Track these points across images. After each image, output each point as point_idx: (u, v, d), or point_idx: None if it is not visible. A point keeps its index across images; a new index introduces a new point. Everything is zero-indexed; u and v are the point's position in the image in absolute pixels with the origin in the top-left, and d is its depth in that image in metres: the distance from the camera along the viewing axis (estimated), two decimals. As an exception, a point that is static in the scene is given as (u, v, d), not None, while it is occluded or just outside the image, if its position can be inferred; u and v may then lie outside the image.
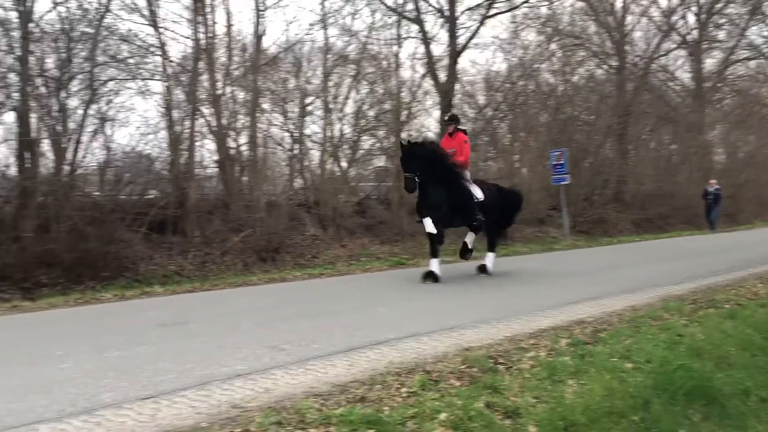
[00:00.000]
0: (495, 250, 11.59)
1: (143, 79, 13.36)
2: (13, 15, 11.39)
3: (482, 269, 11.16)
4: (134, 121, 13.82)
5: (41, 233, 10.57)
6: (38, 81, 11.65)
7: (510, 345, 6.20)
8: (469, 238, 11.33)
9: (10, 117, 11.61)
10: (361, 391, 4.82)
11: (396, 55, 18.40)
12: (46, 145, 11.88)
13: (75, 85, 12.19)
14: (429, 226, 9.98)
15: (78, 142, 12.10)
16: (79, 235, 10.94)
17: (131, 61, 13.07)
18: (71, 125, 12.10)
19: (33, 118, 11.67)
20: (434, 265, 10.23)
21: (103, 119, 12.63)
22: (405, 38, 18.81)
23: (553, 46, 22.92)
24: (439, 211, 10.02)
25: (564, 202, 19.09)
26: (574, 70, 24.19)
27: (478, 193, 10.72)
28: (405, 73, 18.80)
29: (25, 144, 11.41)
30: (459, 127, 11.22)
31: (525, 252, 16.14)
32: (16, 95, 11.35)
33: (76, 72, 12.11)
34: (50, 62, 11.90)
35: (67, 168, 11.90)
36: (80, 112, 12.23)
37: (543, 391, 4.80)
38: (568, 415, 4.33)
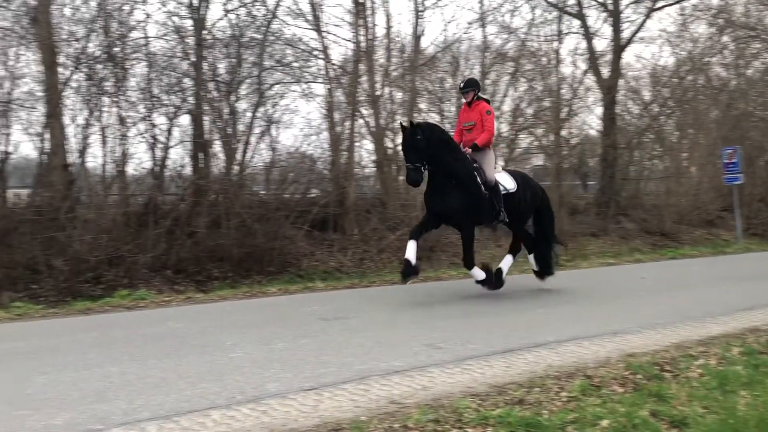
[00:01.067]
0: (516, 255, 9.84)
1: (306, 82, 13.81)
2: (188, 23, 12.11)
3: (496, 275, 9.23)
4: (298, 123, 14.27)
5: (213, 229, 11.14)
6: (210, 85, 12.30)
7: (677, 352, 5.92)
8: (506, 263, 9.55)
9: (185, 120, 12.36)
10: (519, 394, 4.74)
11: (556, 52, 18.02)
12: (217, 146, 12.54)
13: (244, 89, 12.80)
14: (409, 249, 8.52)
15: (246, 143, 12.69)
16: (247, 231, 11.45)
17: (296, 64, 13.54)
18: (240, 127, 12.72)
19: (206, 121, 12.34)
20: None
21: (270, 121, 13.16)
22: (566, 34, 18.37)
23: (725, 38, 21.49)
24: (449, 207, 8.66)
25: (736, 202, 17.90)
26: (748, 63, 22.56)
27: (507, 183, 9.15)
28: (565, 69, 18.28)
29: (199, 145, 12.09)
30: (480, 95, 9.49)
31: (694, 255, 15.34)
32: (190, 99, 12.05)
33: (245, 76, 12.69)
34: (221, 67, 12.56)
35: (236, 168, 12.49)
36: (248, 114, 12.83)
37: (713, 402, 4.55)
38: (740, 428, 4.07)
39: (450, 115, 16.19)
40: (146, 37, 11.68)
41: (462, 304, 8.53)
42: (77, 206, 10.44)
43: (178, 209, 11.31)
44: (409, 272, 8.46)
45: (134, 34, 11.57)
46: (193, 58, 12.04)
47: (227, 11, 12.29)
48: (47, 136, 10.89)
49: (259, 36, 12.71)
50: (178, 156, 12.15)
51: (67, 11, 11.18)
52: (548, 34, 17.91)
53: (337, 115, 14.19)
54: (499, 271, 9.31)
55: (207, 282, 10.22)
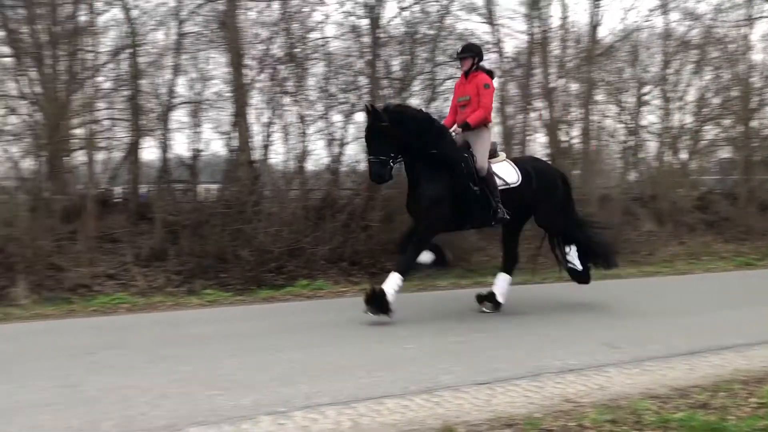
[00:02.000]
0: (513, 272, 8.12)
1: (479, 76, 13.74)
2: (364, 22, 12.43)
3: (489, 299, 7.84)
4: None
5: (386, 223, 11.36)
6: (384, 83, 12.57)
7: None
8: (500, 285, 7.98)
9: (361, 117, 12.69)
10: (703, 397, 4.53)
11: (745, 38, 16.77)
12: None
13: (416, 85, 12.95)
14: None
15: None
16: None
17: (468, 59, 13.50)
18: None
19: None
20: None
21: (441, 116, 13.21)
22: (757, 18, 17.05)
23: None
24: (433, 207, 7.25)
25: None
26: None
27: (508, 175, 7.67)
28: (756, 56, 17.00)
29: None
30: (483, 65, 7.94)
31: None
32: (366, 97, 12.37)
33: (418, 72, 12.84)
34: (395, 64, 12.78)
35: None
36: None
37: None
38: None
39: (628, 106, 15.61)
40: (325, 38, 12.12)
41: (642, 304, 8.22)
42: (262, 200, 11.00)
43: (353, 203, 11.61)
44: (380, 307, 6.89)
45: (314, 35, 12.03)
46: (368, 57, 12.35)
47: (402, 8, 12.49)
48: (235, 134, 11.58)
49: (432, 32, 12.81)
50: (354, 152, 12.50)
51: (252, 15, 11.81)
52: (737, 19, 16.74)
53: (509, 109, 14.07)
54: (492, 295, 7.83)
55: (380, 274, 10.40)
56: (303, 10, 11.91)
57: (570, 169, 14.30)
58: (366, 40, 12.38)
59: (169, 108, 11.36)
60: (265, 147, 11.76)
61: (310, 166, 12.20)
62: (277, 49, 11.76)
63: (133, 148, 11.09)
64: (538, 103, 14.31)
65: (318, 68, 12.17)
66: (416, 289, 9.29)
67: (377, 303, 6.85)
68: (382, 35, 12.41)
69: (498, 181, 7.53)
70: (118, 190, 11.30)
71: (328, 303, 8.58)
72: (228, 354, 5.72)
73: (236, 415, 4.14)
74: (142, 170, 11.41)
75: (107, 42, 11.28)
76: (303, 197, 11.47)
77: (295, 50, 11.74)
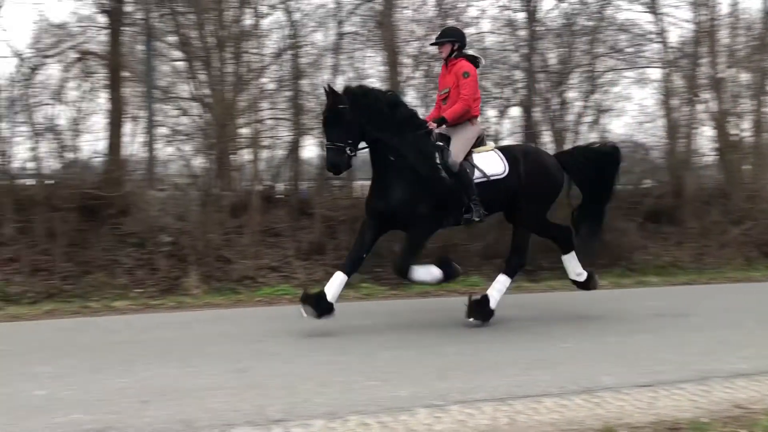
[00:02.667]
0: (514, 274, 7.14)
1: (641, 68, 13.23)
2: (521, 15, 12.28)
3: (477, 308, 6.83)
4: (630, 111, 13.70)
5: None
6: (541, 76, 12.35)
7: None
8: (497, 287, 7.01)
9: (515, 111, 12.56)
10: None
11: None
12: (547, 137, 12.54)
13: (574, 78, 12.64)
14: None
15: (576, 132, 12.53)
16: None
17: (629, 50, 13.03)
18: (570, 117, 12.60)
19: (536, 112, 12.41)
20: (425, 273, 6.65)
21: (600, 110, 12.86)
22: None
23: None
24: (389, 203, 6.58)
25: None
26: None
27: (490, 166, 6.80)
28: None
29: (530, 136, 12.20)
30: (466, 51, 7.05)
31: None
32: (522, 91, 12.22)
33: (576, 65, 12.53)
34: (552, 57, 12.54)
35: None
36: (579, 104, 12.66)
37: None
38: None
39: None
40: (480, 33, 12.07)
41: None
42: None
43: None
44: (319, 309, 6.37)
45: (469, 31, 12.00)
46: (524, 50, 12.18)
47: (560, 0, 12.24)
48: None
49: (591, 23, 12.46)
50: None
51: (408, 13, 11.95)
52: None
53: (674, 101, 13.41)
54: (485, 299, 6.87)
55: (536, 272, 10.28)
56: (458, 5, 11.93)
57: (740, 164, 13.49)
58: (522, 33, 12.23)
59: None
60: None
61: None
62: (431, 46, 11.81)
63: (294, 147, 11.51)
64: (705, 95, 13.53)
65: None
66: (571, 288, 9.08)
67: (316, 304, 6.36)
68: (539, 28, 12.20)
69: (477, 174, 6.72)
70: (280, 186, 11.76)
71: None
72: (384, 346, 5.84)
73: (394, 406, 4.22)
74: (302, 167, 11.82)
75: (270, 44, 11.79)
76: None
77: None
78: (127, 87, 10.91)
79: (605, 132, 12.91)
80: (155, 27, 10.81)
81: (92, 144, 10.59)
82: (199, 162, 11.09)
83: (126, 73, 10.74)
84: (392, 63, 11.59)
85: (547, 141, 12.43)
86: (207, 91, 11.08)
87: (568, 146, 11.70)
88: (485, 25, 12.23)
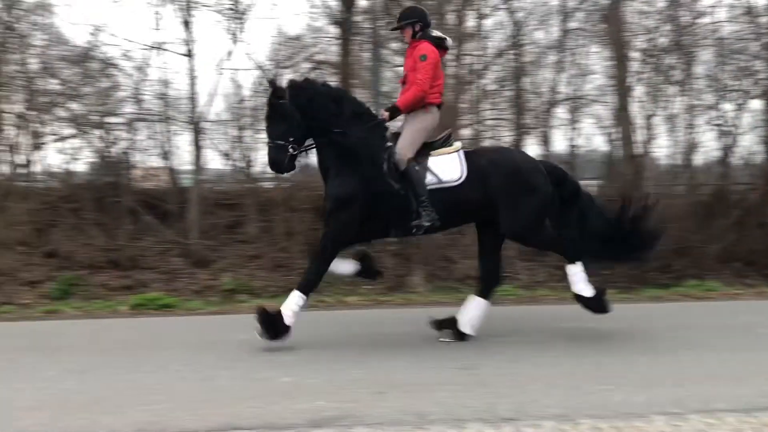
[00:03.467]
0: (489, 295, 6.19)
1: None
2: (761, 2, 11.36)
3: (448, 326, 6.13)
4: None
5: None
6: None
7: None
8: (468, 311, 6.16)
9: (756, 104, 11.63)
10: None
11: None
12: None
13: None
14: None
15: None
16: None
17: None
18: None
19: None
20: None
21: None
22: None
23: None
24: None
25: None
26: None
27: (446, 171, 5.90)
28: None
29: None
30: (430, 32, 6.20)
31: None
32: (763, 82, 11.29)
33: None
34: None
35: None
36: None
37: None
38: None
39: None
40: (715, 22, 11.33)
41: None
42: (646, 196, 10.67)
43: (747, 199, 10.79)
44: (272, 331, 5.75)
45: (702, 20, 11.33)
46: (765, 39, 11.25)
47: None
48: (616, 128, 11.39)
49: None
50: (748, 143, 11.52)
51: (636, 6, 11.49)
52: None
53: None
54: (453, 320, 6.15)
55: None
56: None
57: None
58: (764, 20, 11.31)
59: (550, 105, 11.57)
60: (648, 141, 11.38)
61: (698, 159, 11.54)
62: (662, 39, 11.29)
63: (515, 146, 11.46)
64: None
65: (707, 55, 11.43)
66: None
67: (269, 326, 5.73)
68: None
69: (430, 179, 5.91)
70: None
71: (720, 306, 8.06)
72: (612, 351, 5.69)
73: (628, 412, 4.09)
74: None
75: (491, 44, 11.84)
76: (691, 192, 10.89)
77: (682, 38, 11.15)
78: (357, 94, 11.44)
79: None
80: (381, 35, 11.25)
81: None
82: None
83: (355, 81, 11.26)
84: (619, 58, 11.19)
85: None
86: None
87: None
88: (721, 13, 11.45)
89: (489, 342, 6.02)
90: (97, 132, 10.83)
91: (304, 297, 5.81)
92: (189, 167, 10.86)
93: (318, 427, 3.95)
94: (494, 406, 4.21)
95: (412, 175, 5.82)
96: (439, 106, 6.17)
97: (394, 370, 5.14)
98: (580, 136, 11.72)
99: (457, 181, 5.89)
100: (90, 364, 5.45)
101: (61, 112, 10.95)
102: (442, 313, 6.34)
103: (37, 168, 10.91)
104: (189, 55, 10.69)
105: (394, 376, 4.95)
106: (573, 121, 11.81)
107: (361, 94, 11.43)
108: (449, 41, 6.43)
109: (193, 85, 10.75)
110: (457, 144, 6.19)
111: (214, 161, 11.52)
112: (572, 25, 11.62)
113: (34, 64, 10.84)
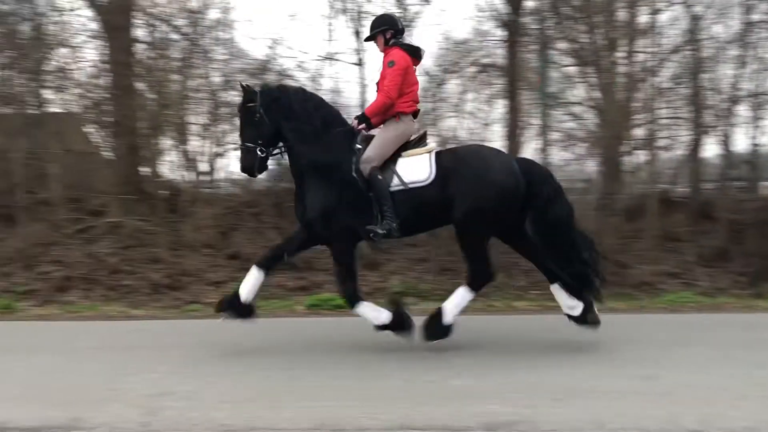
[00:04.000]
0: (478, 287, 5.97)
1: None
2: None
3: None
4: None
5: None
6: None
7: None
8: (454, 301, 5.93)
9: None
10: None
11: None
12: None
13: None
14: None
15: None
16: None
17: None
18: None
19: None
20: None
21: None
22: None
23: None
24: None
25: None
26: None
27: (413, 171, 5.79)
28: None
29: None
30: (401, 41, 6.14)
31: None
32: None
33: None
34: None
35: None
36: None
37: None
38: None
39: None
40: None
41: None
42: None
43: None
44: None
45: None
46: None
47: None
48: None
49: None
50: None
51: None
52: None
53: None
54: (439, 312, 5.88)
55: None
56: None
57: None
58: None
59: (732, 103, 10.88)
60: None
61: None
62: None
63: (694, 146, 10.90)
64: None
65: None
66: None
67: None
68: None
69: (395, 181, 5.81)
70: (679, 188, 11.21)
71: None
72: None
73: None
74: (703, 168, 11.13)
75: (665, 40, 11.30)
76: None
77: None
78: (523, 95, 11.31)
79: None
80: (548, 36, 11.04)
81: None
82: (592, 166, 11.09)
83: (522, 83, 11.13)
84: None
85: None
86: (598, 94, 11.02)
87: None
88: None
89: (669, 351, 5.77)
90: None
91: (361, 308, 6.02)
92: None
93: (493, 431, 3.94)
94: (678, 417, 4.07)
95: (374, 184, 5.81)
96: (415, 114, 6.15)
97: (570, 376, 5.05)
98: (763, 134, 10.92)
99: (424, 181, 5.82)
100: (272, 364, 5.74)
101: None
102: (615, 321, 6.20)
103: (220, 175, 11.57)
104: (359, 64, 11.01)
105: (570, 383, 4.87)
106: (756, 119, 11.03)
107: (528, 96, 11.34)
108: (423, 50, 6.32)
109: (363, 93, 11.07)
110: (432, 144, 6.20)
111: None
112: (755, 17, 10.84)
113: (216, 77, 11.48)
